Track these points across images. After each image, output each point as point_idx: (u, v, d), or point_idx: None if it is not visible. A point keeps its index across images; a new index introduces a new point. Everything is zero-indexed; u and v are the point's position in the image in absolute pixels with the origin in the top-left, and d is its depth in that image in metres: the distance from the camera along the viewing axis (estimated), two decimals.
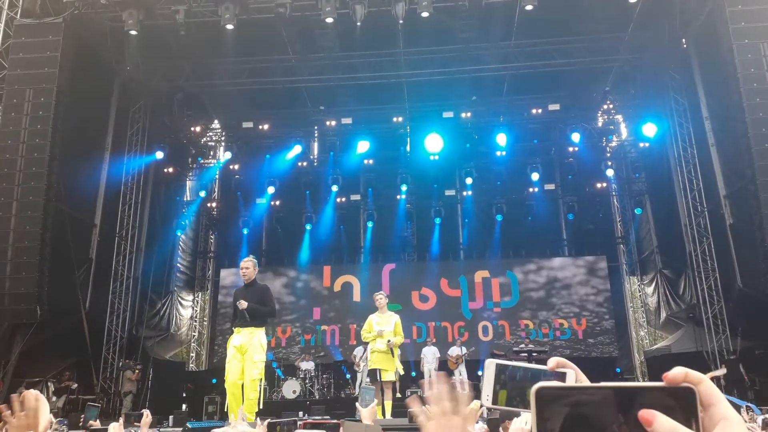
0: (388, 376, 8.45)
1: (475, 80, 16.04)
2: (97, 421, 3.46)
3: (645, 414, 0.62)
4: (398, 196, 18.51)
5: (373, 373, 8.63)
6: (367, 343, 15.43)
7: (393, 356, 8.43)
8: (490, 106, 17.66)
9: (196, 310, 19.33)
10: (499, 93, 16.98)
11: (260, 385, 7.08)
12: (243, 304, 7.13)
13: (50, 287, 11.26)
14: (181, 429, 8.06)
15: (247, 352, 7.02)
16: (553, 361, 0.77)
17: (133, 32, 12.49)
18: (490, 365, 0.90)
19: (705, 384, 0.65)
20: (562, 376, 0.82)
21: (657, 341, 17.09)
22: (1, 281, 10.88)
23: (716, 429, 0.62)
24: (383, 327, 8.49)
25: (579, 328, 17.13)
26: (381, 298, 8.78)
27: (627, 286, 18.74)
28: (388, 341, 8.38)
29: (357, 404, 3.27)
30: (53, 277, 11.42)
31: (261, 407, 7.09)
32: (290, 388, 13.56)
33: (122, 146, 15.06)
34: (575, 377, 0.82)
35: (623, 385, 0.66)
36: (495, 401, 0.92)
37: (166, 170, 17.57)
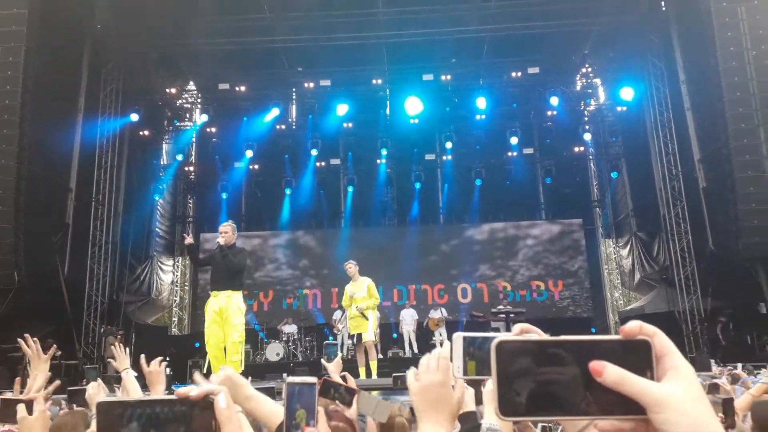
0: (367, 336, 8.88)
1: (456, 42, 15.91)
2: (98, 380, 3.49)
3: (595, 365, 0.64)
4: (378, 161, 18.47)
5: (355, 338, 9.13)
6: (343, 308, 15.68)
7: (366, 319, 8.87)
8: (470, 69, 17.56)
9: (177, 275, 19.26)
10: (479, 55, 16.87)
11: (242, 348, 7.15)
12: (189, 239, 7.75)
13: (27, 253, 11.11)
14: (167, 392, 8.12)
15: (226, 316, 7.06)
16: (516, 328, 0.79)
17: None
18: (458, 339, 0.92)
19: (658, 336, 0.67)
20: None
21: (631, 302, 17.57)
22: None
23: (666, 377, 0.65)
24: (356, 293, 9.00)
25: (555, 289, 17.51)
26: (350, 266, 9.17)
27: (602, 249, 19.12)
28: (356, 307, 8.90)
29: (322, 360, 3.36)
30: (30, 242, 11.25)
31: (243, 369, 7.17)
32: (273, 351, 13.71)
33: (95, 108, 14.69)
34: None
35: (581, 338, 0.68)
36: (465, 372, 0.96)
37: (141, 133, 17.23)
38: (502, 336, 0.69)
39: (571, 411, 0.66)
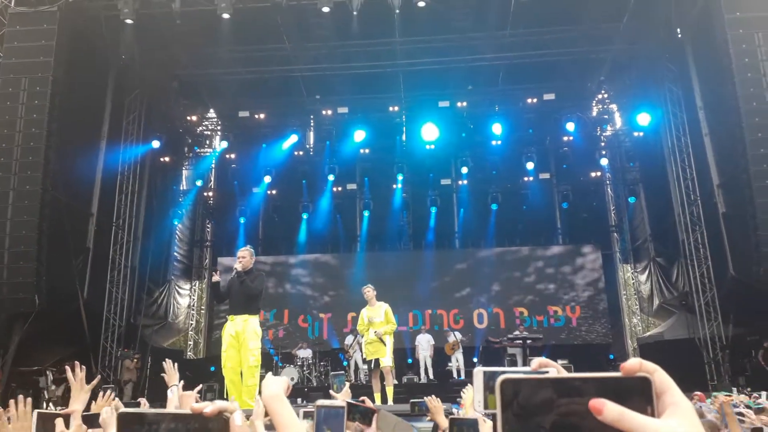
0: (385, 362, 8.81)
1: (471, 69, 16.06)
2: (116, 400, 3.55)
3: (594, 403, 0.65)
4: (394, 186, 18.58)
5: (371, 364, 9.06)
6: (356, 333, 15.63)
7: (384, 344, 8.81)
8: (486, 96, 17.70)
9: (194, 299, 19.40)
10: (494, 83, 17.02)
11: (257, 372, 7.18)
12: (216, 277, 7.58)
13: (48, 276, 11.29)
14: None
15: (243, 340, 7.11)
16: (535, 362, 0.81)
17: (129, 21, 12.47)
18: (478, 373, 0.95)
19: (659, 373, 0.69)
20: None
21: (650, 328, 17.29)
22: None
23: (666, 413, 0.66)
24: (374, 317, 8.94)
25: (573, 315, 17.31)
26: (368, 291, 9.16)
27: (620, 274, 18.91)
28: (375, 332, 8.84)
29: (331, 391, 3.37)
30: (51, 266, 11.44)
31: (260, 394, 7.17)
32: (288, 376, 13.68)
33: (118, 135, 15.03)
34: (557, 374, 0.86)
35: (582, 375, 0.69)
36: (486, 406, 0.99)
37: (162, 159, 17.56)
38: (507, 374, 0.71)
39: None
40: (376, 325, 8.89)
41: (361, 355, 13.77)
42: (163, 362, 3.64)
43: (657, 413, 0.67)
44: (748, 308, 12.36)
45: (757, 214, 10.96)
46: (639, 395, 0.67)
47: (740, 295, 12.44)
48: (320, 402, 1.66)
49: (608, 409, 0.65)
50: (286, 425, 1.71)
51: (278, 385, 1.73)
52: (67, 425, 2.26)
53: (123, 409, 0.87)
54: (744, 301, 12.36)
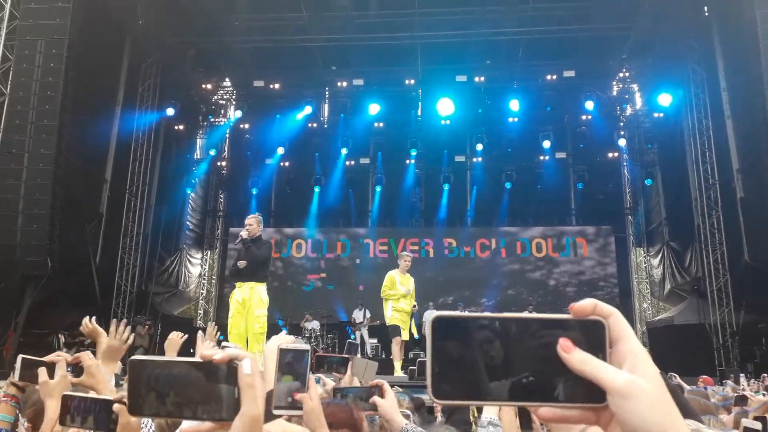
0: (406, 335, 8.73)
1: (491, 44, 15.78)
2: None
3: (564, 342, 0.60)
4: (407, 161, 18.44)
5: (395, 330, 8.70)
6: (364, 307, 15.59)
7: (412, 319, 8.75)
8: (505, 71, 17.40)
9: (205, 268, 19.54)
10: (514, 58, 16.70)
11: (263, 339, 7.19)
12: (242, 264, 7.33)
13: (61, 241, 11.38)
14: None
15: (249, 307, 7.14)
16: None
17: None
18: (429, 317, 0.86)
19: (615, 317, 0.63)
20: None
21: (660, 312, 17.18)
22: (12, 233, 10.98)
23: (625, 365, 0.60)
24: (408, 288, 8.68)
25: (582, 297, 17.19)
26: (409, 259, 8.91)
27: (633, 257, 18.74)
28: (414, 305, 8.68)
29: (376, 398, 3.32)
30: (64, 230, 11.52)
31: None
32: None
33: (133, 102, 15.02)
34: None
35: (529, 316, 0.63)
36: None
37: (176, 127, 17.55)
38: (441, 312, 0.64)
39: (513, 396, 0.61)
40: (409, 298, 8.73)
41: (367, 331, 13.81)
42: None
43: (610, 361, 0.60)
44: (762, 295, 12.20)
45: None
46: (590, 340, 0.61)
47: (754, 282, 12.27)
48: (284, 345, 1.62)
49: (575, 350, 0.60)
50: (273, 375, 1.71)
51: (282, 340, 1.74)
52: (51, 375, 2.19)
53: (134, 357, 0.85)
54: (758, 287, 12.19)
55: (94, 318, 3.10)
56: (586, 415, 0.61)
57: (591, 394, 0.59)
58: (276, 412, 1.64)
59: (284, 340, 1.86)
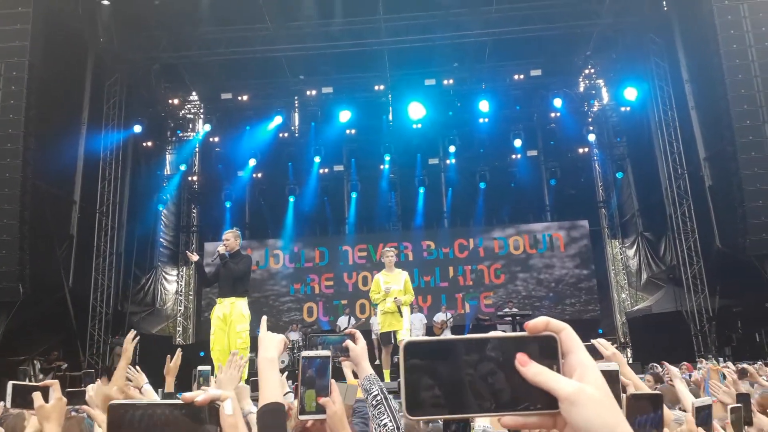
0: (402, 335, 7.89)
1: (457, 47, 15.91)
2: (98, 381, 3.58)
3: (521, 357, 0.67)
4: (381, 166, 18.45)
5: (386, 337, 8.11)
6: (351, 315, 15.53)
7: (402, 316, 7.92)
8: (472, 73, 17.53)
9: (181, 285, 19.26)
10: (481, 59, 16.85)
11: (246, 354, 7.10)
12: (194, 257, 7.49)
13: (32, 265, 11.12)
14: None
15: (230, 323, 7.07)
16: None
17: (105, 2, 12.17)
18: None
19: (566, 332, 0.69)
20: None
21: (638, 302, 17.44)
22: None
23: (575, 374, 0.67)
24: (391, 285, 7.95)
25: (562, 291, 17.40)
26: (391, 254, 8.21)
27: (608, 250, 19.01)
28: (395, 299, 7.88)
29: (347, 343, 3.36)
30: (34, 255, 11.27)
31: (247, 376, 7.12)
32: (279, 358, 13.64)
33: (99, 121, 14.78)
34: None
35: (488, 335, 0.69)
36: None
37: (144, 144, 17.30)
38: (411, 338, 0.71)
39: (479, 408, 0.67)
40: (394, 293, 7.91)
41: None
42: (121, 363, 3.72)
43: (563, 372, 0.68)
44: (735, 280, 12.48)
45: (742, 186, 11.02)
46: (544, 353, 0.68)
47: (727, 268, 12.56)
48: (305, 353, 1.75)
49: (531, 364, 0.67)
50: (268, 391, 1.76)
51: (275, 348, 1.76)
52: (45, 399, 2.21)
53: (113, 401, 0.86)
54: (730, 273, 12.48)
55: (138, 338, 3.38)
56: (544, 420, 0.67)
57: (546, 402, 0.66)
58: (302, 417, 1.74)
59: (274, 344, 1.86)
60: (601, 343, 2.59)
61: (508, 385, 0.67)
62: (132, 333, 3.79)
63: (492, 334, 0.71)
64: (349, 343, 2.17)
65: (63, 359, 11.97)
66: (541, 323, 0.69)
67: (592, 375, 0.67)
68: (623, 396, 1.84)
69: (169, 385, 3.82)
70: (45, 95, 11.81)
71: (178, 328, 18.74)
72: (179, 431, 0.83)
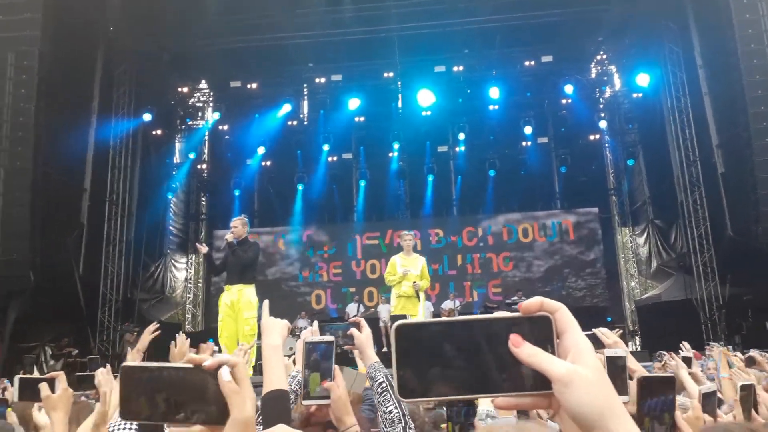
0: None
1: (467, 33, 15.75)
2: (107, 365, 3.62)
3: (515, 339, 0.66)
4: (390, 154, 18.39)
5: (398, 320, 8.04)
6: (359, 302, 15.54)
7: (419, 300, 7.74)
8: (483, 60, 17.38)
9: (190, 272, 19.39)
10: (491, 46, 16.69)
11: (254, 341, 7.15)
12: (203, 249, 7.67)
13: (43, 253, 11.24)
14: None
15: (238, 310, 7.11)
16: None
17: None
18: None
19: (561, 312, 0.69)
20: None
21: (648, 290, 17.34)
22: None
23: (569, 355, 0.66)
24: (409, 268, 7.79)
25: (571, 279, 17.33)
26: (409, 238, 8.09)
27: (618, 237, 18.87)
28: (414, 283, 7.69)
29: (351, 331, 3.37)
30: (45, 243, 11.39)
31: (255, 362, 7.18)
32: (287, 345, 13.73)
33: (109, 109, 14.85)
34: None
35: (481, 317, 0.68)
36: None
37: (154, 133, 17.36)
38: (402, 321, 0.71)
39: (472, 390, 0.67)
40: (412, 277, 7.73)
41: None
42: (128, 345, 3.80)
43: (558, 353, 0.67)
44: (746, 268, 12.36)
45: (755, 172, 10.88)
46: (539, 334, 0.67)
47: (738, 256, 12.43)
48: (309, 338, 1.78)
49: (524, 345, 0.66)
50: (272, 378, 1.79)
51: (279, 334, 1.78)
52: (52, 390, 2.28)
53: (125, 363, 0.89)
54: (741, 261, 12.35)
55: (158, 331, 3.43)
56: (538, 401, 0.67)
57: (540, 383, 0.66)
58: (305, 402, 1.79)
59: (279, 329, 1.86)
60: (603, 332, 2.57)
61: (502, 366, 0.66)
62: (154, 325, 3.80)
63: (486, 315, 0.69)
64: (353, 331, 2.18)
65: (73, 346, 12.11)
66: (535, 303, 0.69)
67: (586, 356, 0.66)
68: (632, 381, 1.82)
69: None
70: (55, 84, 11.87)
71: (187, 316, 18.90)
72: (188, 393, 0.85)
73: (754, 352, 5.21)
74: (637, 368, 2.39)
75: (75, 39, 12.95)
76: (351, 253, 17.91)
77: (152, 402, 0.85)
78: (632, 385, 1.73)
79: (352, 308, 14.96)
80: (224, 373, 0.86)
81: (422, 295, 7.85)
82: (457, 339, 0.67)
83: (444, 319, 0.69)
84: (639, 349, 13.65)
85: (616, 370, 1.79)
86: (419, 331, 0.68)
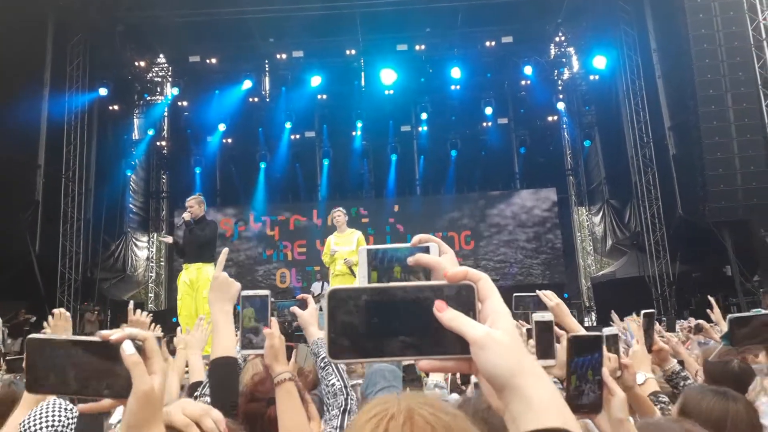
0: None
1: (430, 11, 15.75)
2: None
3: (439, 304, 0.70)
4: (354, 133, 18.38)
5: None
6: (323, 280, 15.57)
7: (354, 276, 7.59)
8: (444, 39, 17.43)
9: (152, 251, 19.12)
10: (453, 25, 16.73)
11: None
12: (168, 239, 7.78)
13: None
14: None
15: (197, 288, 7.11)
16: (415, 238, 0.86)
17: None
18: (362, 252, 0.94)
19: (483, 281, 0.73)
20: (426, 250, 0.88)
21: (603, 268, 17.91)
22: None
23: (488, 320, 0.70)
24: (342, 247, 7.82)
25: (529, 256, 17.76)
26: (339, 214, 8.06)
27: (575, 217, 19.40)
28: (345, 260, 7.69)
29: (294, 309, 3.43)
30: None
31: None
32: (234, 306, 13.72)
33: (62, 83, 14.38)
34: (438, 249, 0.88)
35: (410, 284, 0.73)
36: (370, 281, 1.02)
37: (111, 108, 16.90)
38: (335, 286, 0.73)
39: (398, 352, 0.71)
40: (344, 255, 7.71)
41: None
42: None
43: (479, 318, 0.71)
44: (695, 246, 12.90)
45: (704, 154, 11.29)
46: (463, 301, 0.71)
47: (688, 234, 12.95)
48: (245, 292, 1.85)
49: (447, 310, 0.70)
50: (222, 344, 1.87)
51: (230, 300, 1.86)
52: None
53: (31, 335, 0.87)
54: (691, 240, 12.88)
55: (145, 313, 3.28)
56: (460, 364, 0.71)
57: (462, 347, 0.69)
58: (243, 352, 1.88)
59: (232, 288, 1.92)
60: (546, 294, 2.73)
61: (427, 330, 0.69)
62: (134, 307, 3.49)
63: (413, 282, 0.75)
64: (295, 309, 2.22)
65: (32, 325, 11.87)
66: (460, 272, 0.72)
67: (503, 321, 0.70)
68: (561, 341, 1.96)
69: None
70: (4, 58, 11.41)
71: (150, 295, 18.67)
72: (96, 367, 0.86)
73: (701, 322, 5.47)
74: (576, 329, 2.54)
75: (24, 11, 12.46)
76: (314, 232, 17.92)
77: (61, 376, 0.85)
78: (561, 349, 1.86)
79: (316, 287, 14.95)
80: (126, 347, 0.86)
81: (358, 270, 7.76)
82: (387, 304, 0.70)
83: (375, 285, 0.74)
84: (595, 324, 14.13)
85: (542, 333, 1.91)
86: (351, 295, 0.71)
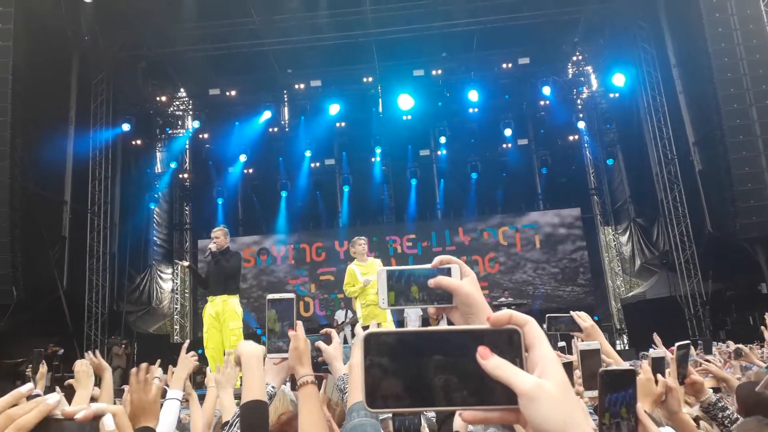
0: (388, 327, 7.48)
1: (445, 36, 15.86)
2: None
3: (482, 350, 0.66)
4: (373, 159, 18.43)
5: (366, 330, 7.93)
6: (347, 308, 15.43)
7: None
8: (461, 63, 17.49)
9: (176, 283, 19.24)
10: (469, 48, 16.82)
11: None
12: (184, 263, 7.78)
13: (25, 268, 11.07)
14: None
15: (223, 320, 7.09)
16: (437, 260, 0.83)
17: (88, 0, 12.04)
18: (381, 272, 0.92)
19: (529, 326, 0.68)
20: (447, 272, 0.85)
21: (632, 288, 17.53)
22: None
23: (537, 369, 0.66)
24: (369, 276, 7.59)
25: (557, 278, 17.47)
26: (362, 243, 7.87)
27: (602, 237, 19.08)
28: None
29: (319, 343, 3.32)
30: (27, 257, 11.23)
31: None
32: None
33: (87, 120, 14.71)
34: (459, 271, 0.85)
35: (451, 329, 0.69)
36: (389, 303, 0.97)
37: (134, 142, 17.23)
38: (373, 330, 0.70)
39: (440, 402, 0.66)
40: (375, 284, 7.52)
41: (351, 331, 13.20)
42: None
43: (526, 366, 0.67)
44: (727, 264, 12.55)
45: (731, 169, 11.06)
46: (508, 347, 0.67)
47: (718, 252, 12.62)
48: (270, 296, 1.82)
49: (492, 357, 0.66)
50: (252, 388, 1.80)
51: (258, 356, 1.80)
52: None
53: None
54: (722, 257, 12.54)
55: (98, 352, 3.20)
56: (506, 416, 0.67)
57: (507, 397, 0.65)
58: (269, 356, 1.84)
59: (254, 347, 1.87)
60: (580, 315, 2.65)
61: (470, 379, 0.66)
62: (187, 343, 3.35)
63: (454, 327, 0.70)
64: (320, 343, 2.15)
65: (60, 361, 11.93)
66: (504, 316, 0.68)
67: (553, 370, 0.66)
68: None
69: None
70: (30, 96, 11.71)
71: (175, 327, 18.74)
72: None
73: (741, 346, 5.25)
74: (614, 356, 2.44)
75: (49, 49, 12.83)
76: (337, 259, 17.88)
77: None
78: None
79: (340, 315, 14.85)
80: (107, 422, 0.82)
81: None
82: (426, 350, 0.67)
83: (413, 329, 0.69)
84: (626, 348, 13.79)
85: (588, 362, 1.82)
86: (387, 340, 0.68)
